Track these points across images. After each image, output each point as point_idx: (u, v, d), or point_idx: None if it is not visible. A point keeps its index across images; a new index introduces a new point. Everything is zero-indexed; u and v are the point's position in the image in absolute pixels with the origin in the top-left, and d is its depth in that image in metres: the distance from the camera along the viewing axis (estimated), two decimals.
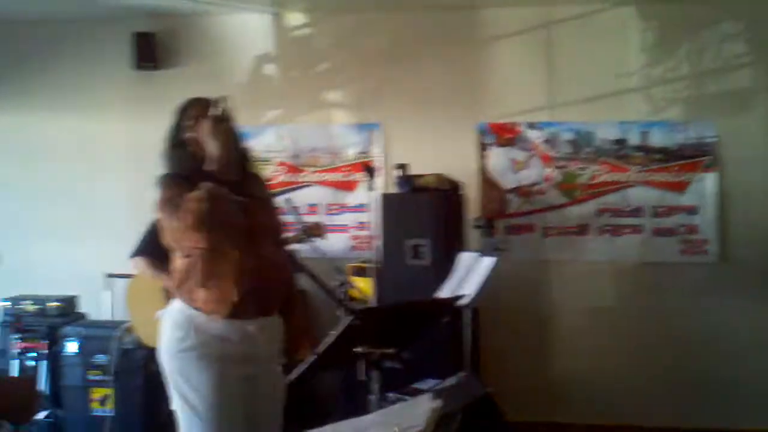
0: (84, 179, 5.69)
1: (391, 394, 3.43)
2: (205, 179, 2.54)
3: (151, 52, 5.51)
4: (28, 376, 4.82)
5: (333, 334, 2.43)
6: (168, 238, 2.61)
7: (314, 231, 4.52)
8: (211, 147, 2.62)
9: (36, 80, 5.76)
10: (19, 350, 4.99)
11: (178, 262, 2.63)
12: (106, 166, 5.68)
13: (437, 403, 1.88)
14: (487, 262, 4.13)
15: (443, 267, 4.46)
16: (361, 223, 5.43)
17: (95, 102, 5.73)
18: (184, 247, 2.59)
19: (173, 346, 2.58)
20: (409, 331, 2.58)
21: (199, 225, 2.49)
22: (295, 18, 5.59)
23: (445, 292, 4.23)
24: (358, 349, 2.31)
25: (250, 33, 5.62)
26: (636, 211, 5.24)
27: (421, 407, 1.89)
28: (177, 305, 2.63)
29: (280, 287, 2.73)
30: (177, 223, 2.53)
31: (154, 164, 3.66)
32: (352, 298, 4.63)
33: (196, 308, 2.58)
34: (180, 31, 5.64)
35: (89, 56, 5.70)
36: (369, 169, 4.85)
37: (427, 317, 2.76)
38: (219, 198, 2.51)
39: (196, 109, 2.72)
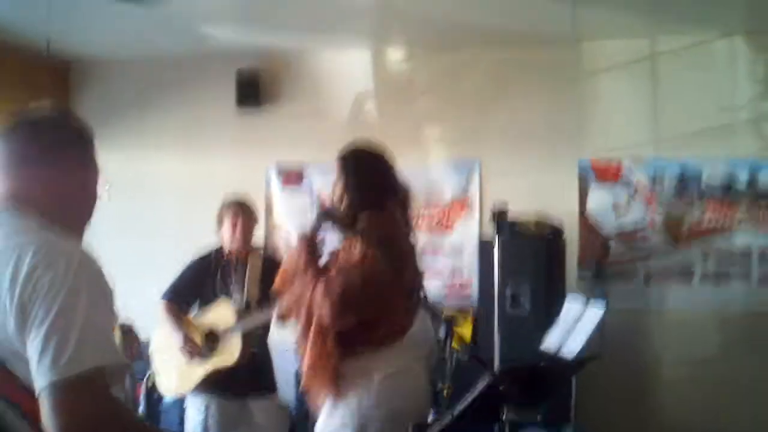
0: (183, 216, 5.65)
1: None
2: None
3: (254, 89, 5.54)
4: None
5: (470, 395, 2.31)
6: None
7: None
8: None
9: (141, 118, 5.86)
10: None
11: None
12: (207, 203, 5.67)
13: None
14: (596, 312, 3.96)
15: (542, 316, 4.33)
16: (457, 268, 5.30)
17: (198, 139, 5.79)
18: None
19: None
20: (545, 391, 2.46)
21: None
22: (394, 53, 5.59)
23: (550, 342, 4.08)
24: (507, 415, 2.19)
25: (349, 70, 5.62)
26: (743, 257, 4.97)
27: None
28: None
29: None
30: None
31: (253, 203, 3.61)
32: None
33: None
34: (280, 68, 5.68)
35: (194, 94, 5.78)
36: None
37: (564, 376, 2.63)
38: None
39: None
